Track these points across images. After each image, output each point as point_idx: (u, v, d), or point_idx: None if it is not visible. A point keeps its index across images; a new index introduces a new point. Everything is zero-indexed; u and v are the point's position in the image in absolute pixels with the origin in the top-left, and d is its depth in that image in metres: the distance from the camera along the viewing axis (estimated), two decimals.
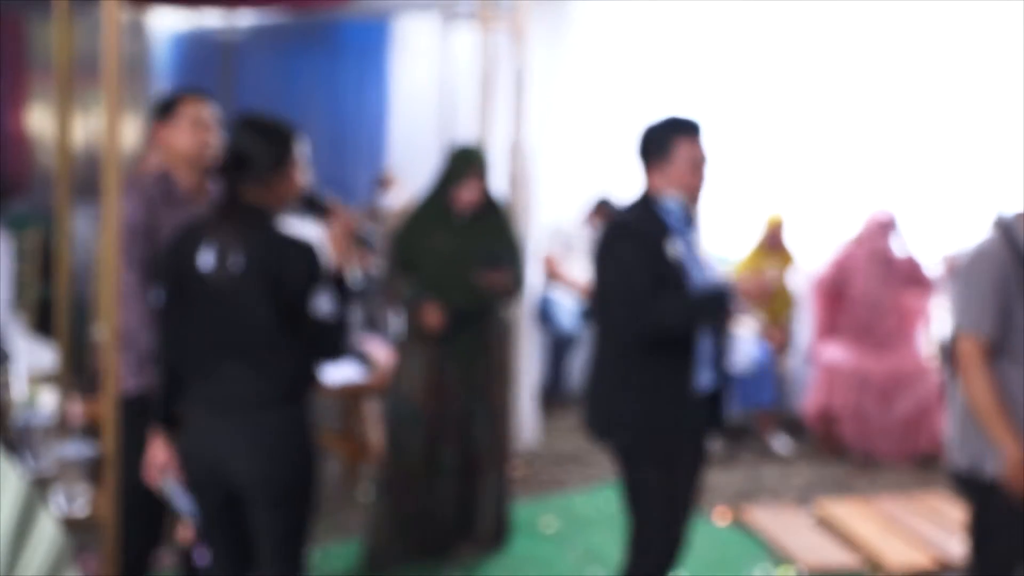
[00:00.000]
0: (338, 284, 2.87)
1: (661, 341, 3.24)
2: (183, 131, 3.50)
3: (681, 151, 3.29)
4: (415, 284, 4.48)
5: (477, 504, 4.64)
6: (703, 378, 3.31)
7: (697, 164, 3.30)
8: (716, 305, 3.26)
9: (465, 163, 4.49)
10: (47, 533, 2.47)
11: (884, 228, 6.42)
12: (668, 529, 3.38)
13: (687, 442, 3.39)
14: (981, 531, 3.25)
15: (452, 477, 4.57)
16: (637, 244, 3.25)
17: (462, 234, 4.47)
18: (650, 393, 3.29)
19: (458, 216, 4.50)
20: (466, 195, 4.46)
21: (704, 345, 3.30)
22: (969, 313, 3.16)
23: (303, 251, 2.82)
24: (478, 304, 4.51)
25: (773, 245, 6.87)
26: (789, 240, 6.95)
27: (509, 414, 4.74)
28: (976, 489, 3.24)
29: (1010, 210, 3.30)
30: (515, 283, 4.54)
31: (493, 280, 4.40)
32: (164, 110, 3.54)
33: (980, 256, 3.20)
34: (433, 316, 4.40)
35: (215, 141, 3.52)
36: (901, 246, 6.47)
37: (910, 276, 6.48)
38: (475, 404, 4.56)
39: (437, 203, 4.54)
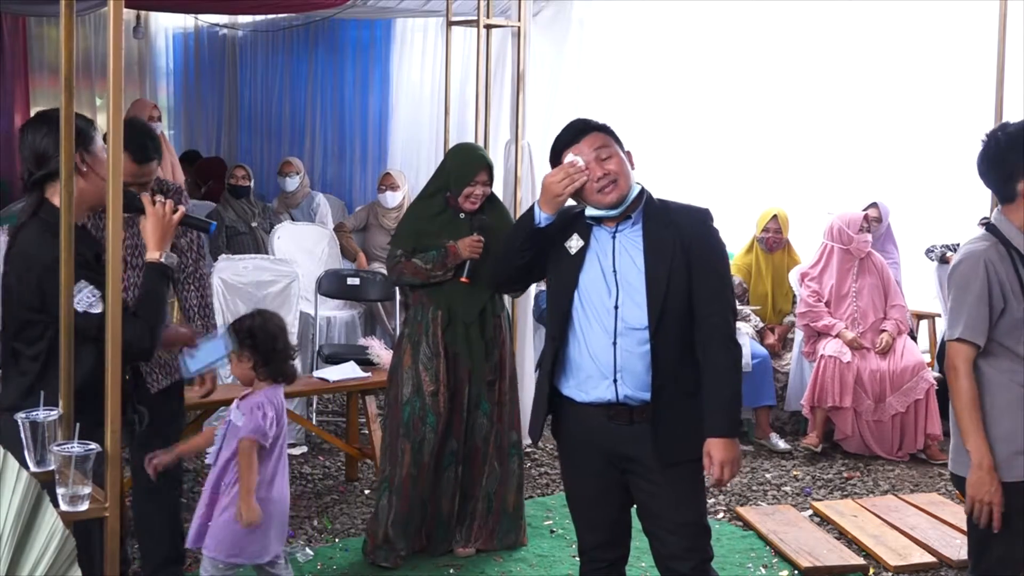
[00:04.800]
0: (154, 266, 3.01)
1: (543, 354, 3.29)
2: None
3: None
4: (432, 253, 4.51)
5: (476, 496, 4.66)
6: (587, 387, 3.16)
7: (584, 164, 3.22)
8: (522, 219, 3.23)
9: (475, 167, 4.53)
10: (53, 531, 2.48)
11: (853, 226, 6.44)
12: (578, 524, 3.38)
13: (581, 448, 3.25)
14: (980, 534, 3.25)
15: (454, 469, 4.61)
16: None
17: (468, 230, 4.51)
18: (546, 394, 3.30)
19: (458, 212, 4.55)
20: (473, 198, 4.51)
21: (583, 356, 3.15)
22: (958, 319, 3.15)
23: None
24: (487, 298, 4.54)
25: (774, 241, 6.87)
26: (790, 236, 6.96)
27: (510, 407, 4.73)
28: None
29: (993, 208, 3.30)
30: None
31: None
32: (142, 156, 3.69)
33: (967, 259, 3.18)
34: (472, 245, 4.44)
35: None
36: (869, 242, 6.50)
37: (882, 275, 6.51)
38: (481, 398, 4.60)
39: (442, 200, 4.57)
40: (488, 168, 4.58)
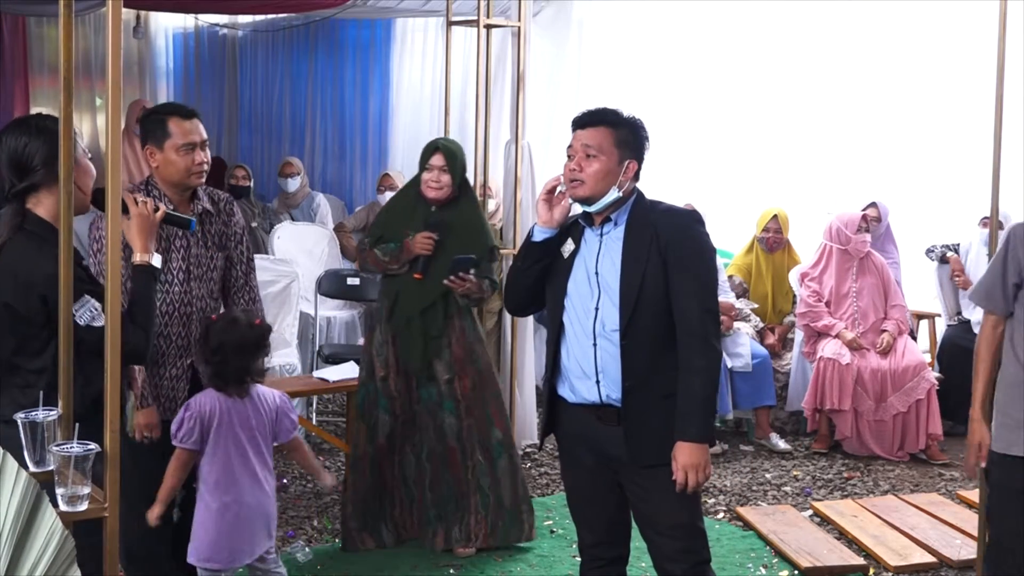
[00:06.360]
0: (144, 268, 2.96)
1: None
2: (172, 156, 3.57)
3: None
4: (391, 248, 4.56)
5: (467, 492, 4.67)
6: (576, 388, 3.19)
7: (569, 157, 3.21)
8: (524, 242, 3.29)
9: (429, 152, 4.57)
10: (52, 531, 2.48)
11: (851, 227, 6.44)
12: (576, 522, 3.41)
13: (575, 447, 3.27)
14: (992, 511, 3.36)
15: (428, 464, 4.64)
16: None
17: (432, 227, 4.51)
18: (546, 396, 3.33)
19: (430, 206, 4.56)
20: (431, 183, 4.52)
21: (571, 358, 3.18)
22: (981, 288, 3.34)
23: None
24: (438, 296, 4.53)
25: (774, 241, 6.87)
26: (790, 236, 6.96)
27: (482, 405, 4.68)
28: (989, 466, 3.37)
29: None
30: (489, 288, 4.57)
31: (459, 285, 4.43)
32: (153, 134, 3.58)
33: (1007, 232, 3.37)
34: (422, 241, 4.47)
35: (205, 159, 3.63)
36: (868, 242, 6.50)
37: (882, 275, 6.51)
38: (439, 395, 4.60)
39: (412, 193, 4.64)
40: (442, 152, 4.53)
